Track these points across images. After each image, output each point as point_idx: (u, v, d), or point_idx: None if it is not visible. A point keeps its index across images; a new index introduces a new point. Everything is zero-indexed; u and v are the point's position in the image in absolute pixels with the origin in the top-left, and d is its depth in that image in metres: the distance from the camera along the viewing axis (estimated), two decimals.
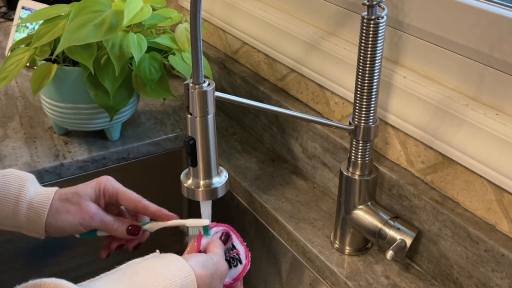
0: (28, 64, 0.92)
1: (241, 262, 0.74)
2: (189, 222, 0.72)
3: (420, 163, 0.76)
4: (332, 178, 0.88)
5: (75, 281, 0.62)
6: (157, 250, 0.67)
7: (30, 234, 0.74)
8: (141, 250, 0.76)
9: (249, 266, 0.74)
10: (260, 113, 1.02)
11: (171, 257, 0.65)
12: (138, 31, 0.90)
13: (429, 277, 0.76)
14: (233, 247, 0.74)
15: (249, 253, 0.74)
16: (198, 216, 0.73)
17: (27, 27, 1.27)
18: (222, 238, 0.73)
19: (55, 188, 0.75)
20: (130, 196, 0.76)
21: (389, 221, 0.74)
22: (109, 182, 0.76)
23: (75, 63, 0.93)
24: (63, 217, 0.73)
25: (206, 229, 0.71)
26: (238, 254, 0.74)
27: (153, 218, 0.77)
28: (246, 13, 1.06)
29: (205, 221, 0.72)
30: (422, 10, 0.74)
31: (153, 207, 0.75)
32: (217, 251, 0.69)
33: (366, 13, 0.67)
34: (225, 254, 0.72)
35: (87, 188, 0.75)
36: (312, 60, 0.90)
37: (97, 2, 0.88)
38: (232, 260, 0.74)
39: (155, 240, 0.80)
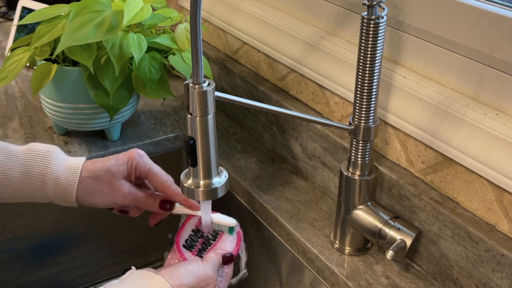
0: (28, 64, 0.92)
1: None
2: (216, 219, 0.73)
3: (420, 163, 0.76)
4: (332, 178, 0.88)
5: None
6: (133, 267, 0.67)
7: (64, 205, 0.73)
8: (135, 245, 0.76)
9: (242, 234, 0.75)
10: (260, 113, 1.02)
11: (147, 276, 0.64)
12: (138, 31, 0.90)
13: (429, 277, 0.76)
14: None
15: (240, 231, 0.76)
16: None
17: (27, 27, 1.27)
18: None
19: (82, 160, 0.73)
20: (160, 178, 0.74)
21: (389, 221, 0.74)
22: (141, 160, 0.74)
23: (75, 63, 0.93)
24: (96, 196, 0.72)
25: (231, 229, 0.73)
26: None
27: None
28: (246, 13, 1.06)
29: (233, 221, 0.73)
30: (422, 10, 0.74)
31: (180, 195, 0.74)
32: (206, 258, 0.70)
33: (366, 13, 0.67)
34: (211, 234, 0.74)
35: (119, 165, 0.73)
36: (312, 60, 0.90)
37: (97, 2, 0.88)
38: (216, 230, 0.75)
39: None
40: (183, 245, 0.73)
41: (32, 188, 0.71)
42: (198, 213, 0.75)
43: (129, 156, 0.74)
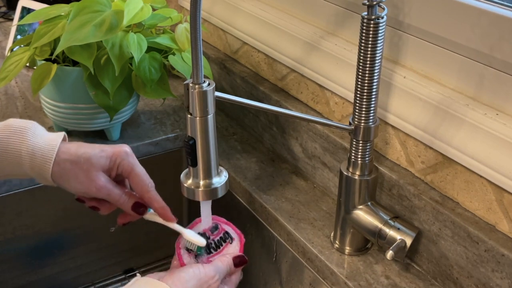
0: (28, 64, 0.92)
1: (232, 237, 0.74)
2: (187, 235, 0.71)
3: (420, 163, 0.76)
4: (332, 178, 0.88)
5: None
6: (138, 274, 0.66)
7: (43, 183, 0.71)
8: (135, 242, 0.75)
9: (243, 239, 0.74)
10: (260, 113, 1.02)
11: (151, 283, 0.64)
12: (138, 31, 0.90)
13: (429, 277, 0.76)
14: (228, 234, 0.74)
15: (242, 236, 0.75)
16: (198, 216, 0.73)
17: (26, 30, 1.27)
18: (211, 231, 0.73)
19: (60, 137, 0.71)
20: (141, 181, 0.72)
21: (389, 221, 0.74)
22: (126, 159, 0.71)
23: (75, 63, 0.93)
24: (70, 180, 0.70)
25: (199, 248, 0.72)
26: (226, 232, 0.74)
27: None
28: (246, 13, 1.06)
29: (202, 241, 0.71)
30: (422, 10, 0.74)
31: (157, 203, 0.72)
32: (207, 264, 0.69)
33: (366, 13, 0.67)
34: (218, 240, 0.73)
35: (102, 157, 0.70)
36: (312, 60, 0.90)
37: (97, 2, 0.88)
38: (223, 238, 0.74)
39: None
40: (186, 247, 0.73)
41: (9, 164, 0.69)
42: (171, 225, 0.73)
43: (115, 151, 0.71)
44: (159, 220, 0.73)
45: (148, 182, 0.72)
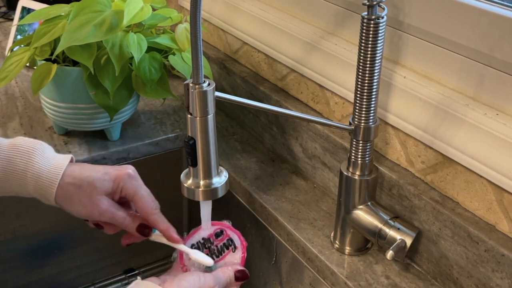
0: (28, 64, 0.92)
1: (235, 245, 0.74)
2: (194, 256, 0.71)
3: (420, 163, 0.76)
4: (332, 178, 0.88)
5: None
6: (138, 277, 0.66)
7: (46, 203, 0.71)
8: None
9: (246, 246, 0.74)
10: (260, 113, 1.02)
11: None
12: (138, 31, 0.90)
13: (429, 277, 0.76)
14: (231, 241, 0.74)
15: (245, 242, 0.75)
16: (198, 217, 0.73)
17: (26, 30, 1.27)
18: (215, 236, 0.73)
19: (66, 161, 0.71)
20: (145, 204, 0.71)
21: (389, 221, 0.74)
22: (130, 182, 0.71)
23: (75, 63, 0.93)
24: (74, 204, 0.70)
25: (209, 268, 0.71)
26: (230, 239, 0.74)
27: None
28: (246, 13, 1.06)
29: (209, 261, 0.71)
30: (422, 10, 0.74)
31: (162, 225, 0.71)
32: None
33: (366, 13, 0.67)
34: (221, 245, 0.73)
35: (105, 180, 0.70)
36: (312, 60, 0.90)
37: (97, 2, 0.88)
38: (226, 245, 0.74)
39: None
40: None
41: (14, 184, 0.70)
42: (177, 246, 0.72)
43: (118, 174, 0.71)
44: (165, 241, 0.73)
45: (152, 204, 0.72)
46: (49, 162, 0.70)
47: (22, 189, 0.71)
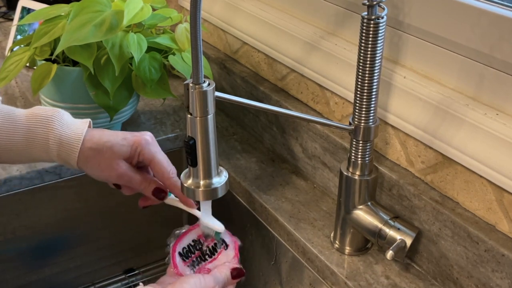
0: (28, 64, 0.92)
1: (226, 243, 0.74)
2: (204, 221, 0.72)
3: (420, 163, 0.76)
4: (332, 178, 0.88)
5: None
6: (141, 283, 0.67)
7: (68, 167, 0.75)
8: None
9: (237, 242, 0.74)
10: (260, 113, 1.02)
11: None
12: (138, 31, 0.90)
13: (429, 277, 0.76)
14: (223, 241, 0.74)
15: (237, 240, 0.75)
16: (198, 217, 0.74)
17: (26, 30, 1.27)
18: (205, 237, 0.74)
19: (85, 126, 0.73)
20: (162, 168, 0.74)
21: (389, 221, 0.74)
22: (147, 147, 0.74)
23: (75, 63, 0.93)
24: (93, 168, 0.73)
25: (217, 234, 0.72)
26: (222, 239, 0.74)
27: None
28: (246, 13, 1.06)
29: (220, 227, 0.72)
30: (422, 10, 0.74)
31: (178, 189, 0.73)
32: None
33: (366, 13, 0.67)
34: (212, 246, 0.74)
35: (124, 145, 0.73)
36: (312, 60, 0.90)
37: (97, 2, 0.88)
38: (218, 244, 0.74)
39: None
40: (179, 252, 0.73)
41: (36, 152, 0.72)
42: (192, 211, 0.74)
43: (136, 140, 0.74)
44: (180, 205, 0.75)
45: (169, 169, 0.74)
46: (69, 128, 0.73)
47: (46, 155, 0.73)
